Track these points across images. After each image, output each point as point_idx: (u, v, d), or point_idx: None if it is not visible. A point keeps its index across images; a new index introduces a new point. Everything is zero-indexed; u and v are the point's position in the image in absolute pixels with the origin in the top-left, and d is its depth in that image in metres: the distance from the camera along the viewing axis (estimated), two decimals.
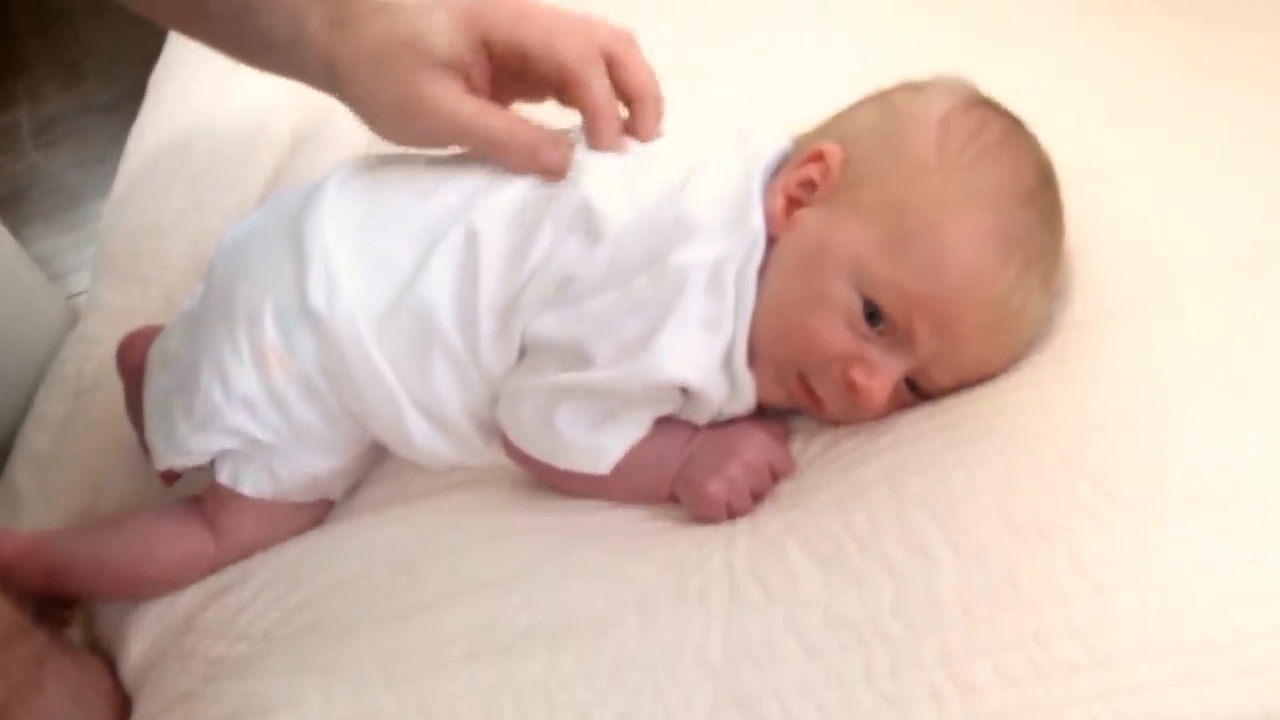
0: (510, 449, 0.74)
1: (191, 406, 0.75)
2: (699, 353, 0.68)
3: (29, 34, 2.16)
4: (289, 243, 0.74)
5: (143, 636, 0.78)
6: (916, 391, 0.70)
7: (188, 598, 0.79)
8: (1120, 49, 0.89)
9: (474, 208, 0.72)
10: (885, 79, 0.75)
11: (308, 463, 0.76)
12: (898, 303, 0.66)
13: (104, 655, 0.80)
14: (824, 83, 0.79)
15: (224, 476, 0.77)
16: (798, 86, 0.90)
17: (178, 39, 1.22)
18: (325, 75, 0.74)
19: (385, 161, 0.78)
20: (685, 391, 0.70)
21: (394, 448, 0.77)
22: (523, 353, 0.72)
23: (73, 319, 1.11)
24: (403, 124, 0.73)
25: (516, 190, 0.72)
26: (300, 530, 0.80)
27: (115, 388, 0.92)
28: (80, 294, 1.49)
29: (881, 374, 0.67)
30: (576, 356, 0.69)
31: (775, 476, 0.71)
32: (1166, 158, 0.78)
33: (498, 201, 0.72)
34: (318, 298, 0.72)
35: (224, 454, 0.76)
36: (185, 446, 0.76)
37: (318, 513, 0.81)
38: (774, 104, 0.87)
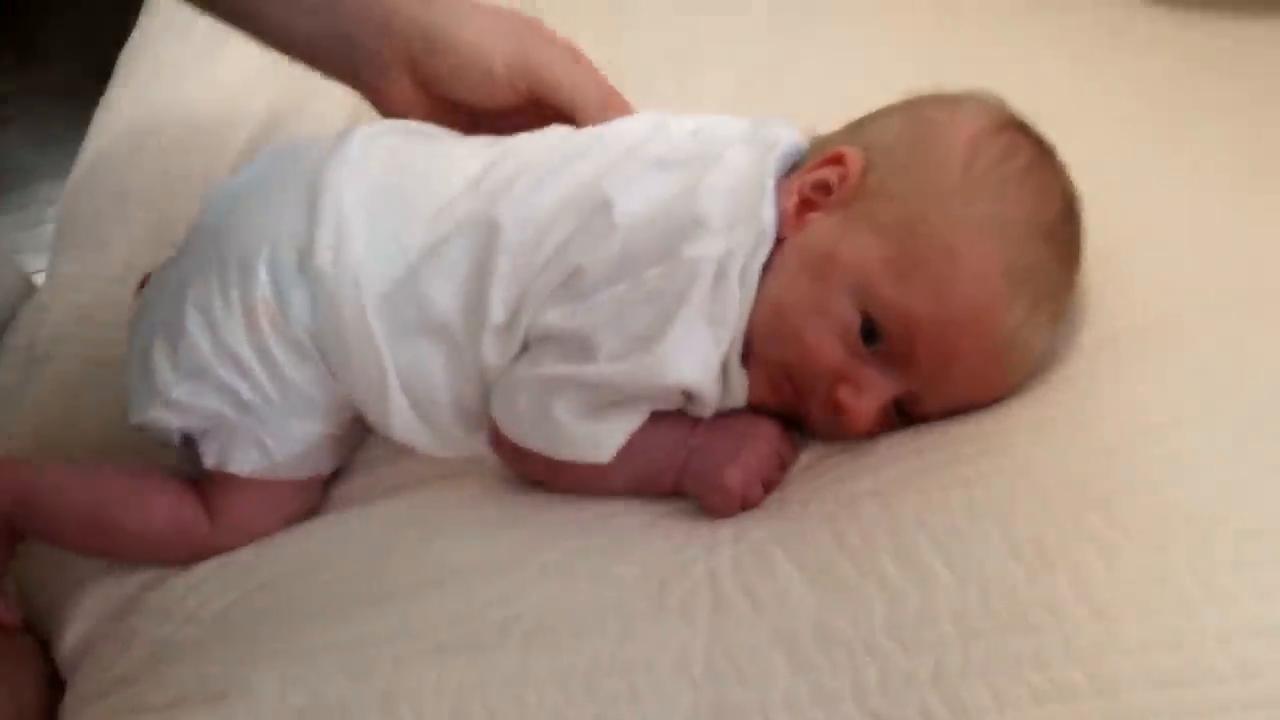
0: (501, 445, 0.72)
1: (176, 353, 0.71)
2: (704, 352, 0.66)
3: None
4: (301, 194, 0.72)
5: (83, 617, 0.75)
6: (903, 416, 0.68)
7: (135, 578, 0.75)
8: (1130, 60, 0.88)
9: (496, 201, 0.70)
10: (901, 85, 0.73)
11: (296, 428, 0.73)
12: (899, 324, 0.65)
13: (39, 635, 0.76)
14: (833, 84, 0.77)
15: (210, 460, 0.73)
16: (806, 88, 0.89)
17: (151, 16, 1.20)
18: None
19: (412, 130, 0.76)
20: (685, 392, 0.68)
21: (372, 422, 0.74)
22: (525, 347, 0.70)
23: (29, 294, 1.07)
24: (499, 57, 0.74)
25: (539, 185, 0.70)
26: (294, 516, 0.76)
27: (69, 358, 0.89)
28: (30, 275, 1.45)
29: (869, 395, 0.66)
30: (579, 347, 0.67)
31: (783, 467, 0.69)
32: (1172, 177, 0.77)
33: (518, 195, 0.70)
34: (325, 256, 0.70)
35: (208, 433, 0.73)
36: (169, 396, 0.72)
37: (311, 496, 0.77)
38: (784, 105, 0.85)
